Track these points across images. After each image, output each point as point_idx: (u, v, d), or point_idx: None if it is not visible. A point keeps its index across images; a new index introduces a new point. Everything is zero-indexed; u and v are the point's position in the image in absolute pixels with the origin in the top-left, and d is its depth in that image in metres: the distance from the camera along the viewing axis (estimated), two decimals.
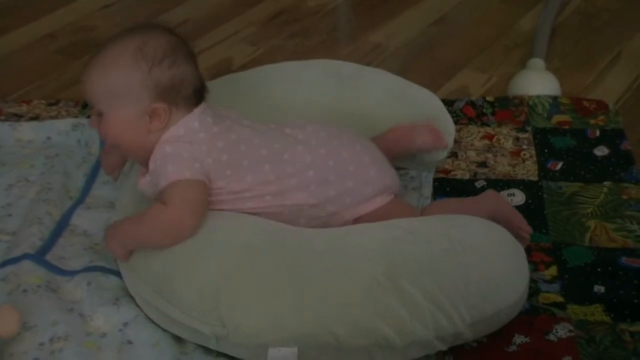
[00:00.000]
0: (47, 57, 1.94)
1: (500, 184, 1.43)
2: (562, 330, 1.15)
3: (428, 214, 1.23)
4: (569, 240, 1.31)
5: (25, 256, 1.23)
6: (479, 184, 1.44)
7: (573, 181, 1.43)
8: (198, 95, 1.21)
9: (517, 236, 1.21)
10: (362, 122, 1.40)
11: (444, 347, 1.09)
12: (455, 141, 1.49)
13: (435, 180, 1.44)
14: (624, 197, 1.39)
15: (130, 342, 1.12)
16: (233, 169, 1.18)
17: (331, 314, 1.06)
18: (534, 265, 1.26)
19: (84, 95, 1.21)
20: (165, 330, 1.14)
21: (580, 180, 1.43)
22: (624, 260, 1.26)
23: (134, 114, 1.17)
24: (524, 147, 1.52)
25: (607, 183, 1.42)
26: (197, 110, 1.20)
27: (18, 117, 1.63)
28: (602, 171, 1.45)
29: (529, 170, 1.46)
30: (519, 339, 1.14)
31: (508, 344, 1.14)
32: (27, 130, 1.56)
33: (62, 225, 1.32)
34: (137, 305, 1.17)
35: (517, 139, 1.54)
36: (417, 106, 1.47)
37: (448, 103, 1.59)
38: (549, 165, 1.47)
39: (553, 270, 1.26)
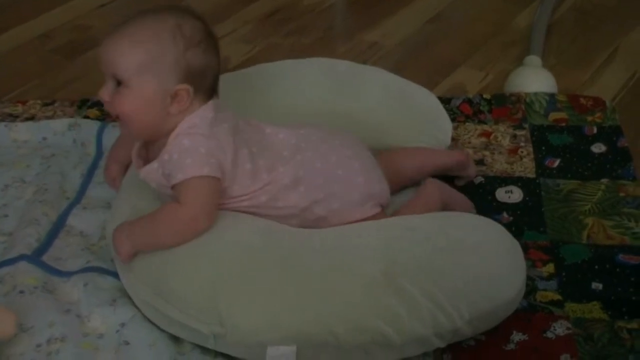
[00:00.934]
0: (42, 57, 1.94)
1: (498, 181, 1.43)
2: (560, 328, 1.15)
3: None
4: (567, 238, 1.31)
5: (21, 257, 1.22)
6: (476, 180, 1.44)
7: (570, 178, 1.43)
8: (214, 89, 1.19)
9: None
10: (358, 120, 1.40)
11: (442, 344, 1.10)
12: (453, 139, 1.49)
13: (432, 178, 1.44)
14: (622, 194, 1.39)
15: (127, 343, 1.12)
16: (238, 170, 1.16)
17: (330, 313, 1.06)
18: (532, 263, 1.26)
19: (104, 63, 1.14)
20: (162, 331, 1.13)
21: (577, 177, 1.43)
22: (622, 257, 1.27)
23: (158, 91, 1.13)
24: (522, 144, 1.52)
25: (604, 180, 1.42)
26: (211, 103, 1.17)
27: (14, 117, 1.62)
28: (599, 168, 1.45)
29: (526, 167, 1.46)
30: (517, 336, 1.14)
31: (506, 342, 1.14)
32: (23, 131, 1.55)
33: (58, 226, 1.32)
34: (135, 306, 1.16)
35: (515, 136, 1.54)
36: (414, 104, 1.47)
37: (445, 101, 1.59)
38: (546, 163, 1.47)
39: (550, 268, 1.26)
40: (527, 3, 2.05)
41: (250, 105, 1.39)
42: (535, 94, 1.62)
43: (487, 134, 1.54)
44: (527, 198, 1.39)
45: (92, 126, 1.54)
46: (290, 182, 1.19)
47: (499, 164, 1.47)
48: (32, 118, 1.61)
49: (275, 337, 1.06)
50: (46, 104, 1.66)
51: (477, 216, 1.24)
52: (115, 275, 1.21)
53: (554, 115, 1.58)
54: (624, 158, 1.47)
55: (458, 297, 1.08)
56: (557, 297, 1.21)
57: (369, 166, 1.26)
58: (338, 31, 2.09)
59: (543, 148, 1.50)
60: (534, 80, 1.66)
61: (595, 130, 1.54)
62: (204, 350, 1.12)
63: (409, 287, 1.07)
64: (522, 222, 1.34)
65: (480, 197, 1.39)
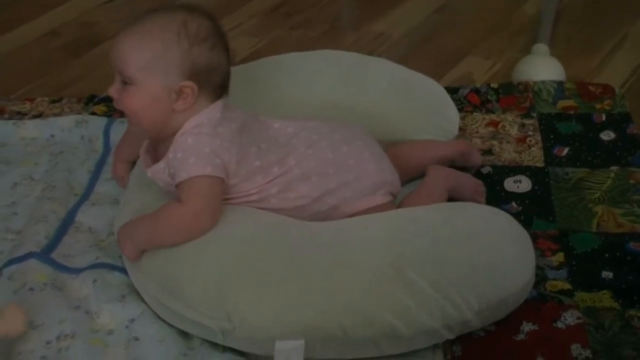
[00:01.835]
0: (49, 54, 1.94)
1: (507, 170, 1.42)
2: (570, 318, 1.14)
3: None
4: (576, 226, 1.30)
5: (30, 255, 1.23)
6: (484, 170, 1.43)
7: (580, 167, 1.42)
8: (224, 87, 1.19)
9: (474, 200, 1.28)
10: (365, 112, 1.40)
11: (451, 336, 1.09)
12: (460, 129, 1.49)
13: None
14: (631, 181, 1.38)
15: (137, 339, 1.12)
16: (246, 168, 1.17)
17: (338, 306, 1.06)
18: (541, 252, 1.25)
19: (113, 60, 1.15)
20: (171, 326, 1.14)
21: (586, 165, 1.42)
22: (632, 245, 1.26)
23: (162, 88, 1.14)
24: (530, 133, 1.51)
25: (614, 168, 1.41)
26: (220, 102, 1.18)
27: (22, 115, 1.63)
28: (608, 156, 1.44)
29: (535, 156, 1.45)
30: (527, 326, 1.14)
31: (516, 333, 1.13)
32: (30, 128, 1.56)
33: (67, 223, 1.32)
34: (144, 302, 1.17)
35: (523, 125, 1.53)
36: (421, 95, 1.46)
37: (452, 91, 1.58)
38: (555, 151, 1.46)
39: (560, 257, 1.25)
40: None
41: (256, 98, 1.39)
42: (543, 82, 1.61)
43: (494, 124, 1.54)
44: (535, 187, 1.39)
45: (99, 122, 1.55)
46: (301, 173, 1.19)
47: (507, 154, 1.46)
48: (39, 115, 1.62)
49: (284, 332, 1.05)
50: (53, 101, 1.67)
51: (484, 206, 1.24)
52: (124, 271, 1.21)
53: (562, 103, 1.57)
54: (633, 145, 1.46)
55: (467, 288, 1.08)
56: (567, 286, 1.20)
57: (379, 156, 1.26)
58: (344, 23, 2.08)
59: (551, 136, 1.49)
60: (542, 68, 1.65)
61: (604, 117, 1.53)
62: (213, 345, 1.12)
63: (417, 279, 1.07)
64: (531, 211, 1.34)
65: (489, 187, 1.38)
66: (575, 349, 1.10)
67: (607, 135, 1.49)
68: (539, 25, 1.83)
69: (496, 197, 1.36)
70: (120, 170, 1.38)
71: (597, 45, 1.82)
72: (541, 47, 1.72)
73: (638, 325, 1.13)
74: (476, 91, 1.62)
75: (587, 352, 1.09)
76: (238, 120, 1.18)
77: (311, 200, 1.20)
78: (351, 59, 1.51)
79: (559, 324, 1.14)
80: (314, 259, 1.10)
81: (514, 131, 1.52)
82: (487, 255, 1.12)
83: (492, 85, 1.63)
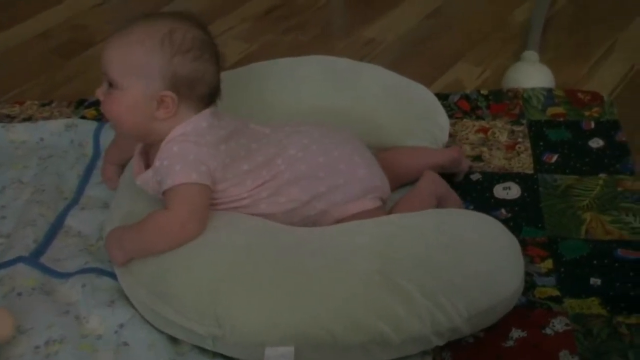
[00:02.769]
0: (40, 57, 1.94)
1: (496, 177, 1.43)
2: (559, 324, 1.15)
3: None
4: (565, 233, 1.31)
5: (19, 259, 1.22)
6: (474, 177, 1.43)
7: (568, 174, 1.43)
8: (211, 97, 1.20)
9: None
10: (356, 118, 1.40)
11: (441, 343, 1.10)
12: (450, 135, 1.49)
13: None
14: (620, 189, 1.39)
15: (126, 344, 1.12)
16: (234, 173, 1.17)
17: (327, 312, 1.06)
18: (530, 259, 1.26)
19: (101, 63, 1.17)
20: (161, 332, 1.13)
21: (575, 172, 1.43)
22: (620, 252, 1.26)
23: (143, 95, 1.15)
24: (519, 140, 1.51)
25: (602, 175, 1.42)
26: (207, 112, 1.18)
27: (11, 118, 1.62)
28: (597, 163, 1.45)
29: (524, 163, 1.46)
30: (515, 333, 1.14)
31: (505, 339, 1.14)
32: (20, 132, 1.55)
33: (56, 227, 1.32)
34: (133, 307, 1.16)
35: (512, 132, 1.53)
36: (411, 101, 1.47)
37: (443, 97, 1.59)
38: (544, 158, 1.47)
39: (549, 264, 1.25)
40: None
41: (247, 103, 1.39)
42: (533, 89, 1.62)
43: (484, 130, 1.54)
44: (525, 194, 1.39)
45: (89, 126, 1.54)
46: (292, 177, 1.20)
47: (497, 160, 1.47)
48: (29, 119, 1.61)
49: (274, 338, 1.06)
50: (43, 105, 1.66)
51: (474, 212, 1.24)
52: (113, 275, 1.21)
53: (551, 110, 1.58)
54: (622, 152, 1.46)
55: (456, 294, 1.08)
56: (556, 293, 1.21)
57: (369, 160, 1.27)
58: (336, 27, 2.08)
59: (541, 143, 1.50)
60: (531, 75, 1.65)
61: (593, 124, 1.53)
62: (203, 351, 1.12)
63: (407, 285, 1.07)
64: (520, 218, 1.34)
65: (478, 193, 1.39)
66: (564, 355, 1.11)
67: (595, 143, 1.49)
68: (529, 32, 1.84)
69: (486, 203, 1.37)
70: (109, 172, 1.39)
71: (586, 52, 1.83)
72: (531, 54, 1.73)
73: (626, 332, 1.14)
74: (466, 97, 1.63)
75: (576, 359, 1.10)
76: (226, 128, 1.19)
77: (301, 204, 1.20)
78: (343, 64, 1.51)
79: (548, 331, 1.14)
80: (304, 265, 1.10)
81: (504, 138, 1.52)
82: (477, 262, 1.12)
83: (482, 91, 1.64)
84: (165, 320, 1.12)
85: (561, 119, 1.56)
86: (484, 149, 1.50)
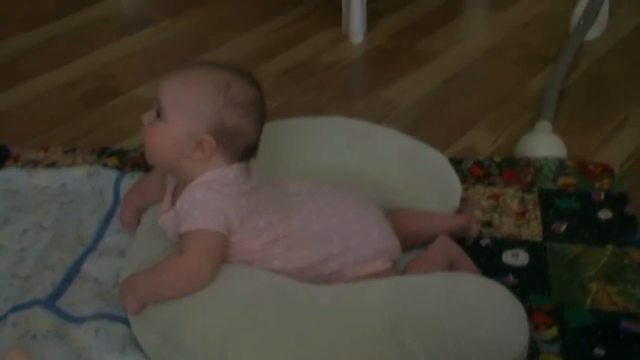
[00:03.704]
0: (66, 105, 1.99)
1: (505, 243, 1.45)
2: None
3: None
4: (571, 302, 1.32)
5: (35, 302, 1.25)
6: (483, 242, 1.46)
7: (577, 243, 1.45)
8: (247, 153, 1.23)
9: None
10: (370, 180, 1.43)
11: None
12: (462, 200, 1.52)
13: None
14: (627, 260, 1.40)
15: None
16: (250, 226, 1.20)
17: None
18: (535, 326, 1.27)
19: (157, 91, 1.20)
20: None
21: (583, 242, 1.45)
22: (625, 323, 1.28)
23: (187, 133, 1.18)
24: (530, 207, 1.54)
25: (610, 246, 1.44)
26: (237, 165, 1.22)
27: (35, 163, 1.66)
28: (605, 234, 1.47)
29: (533, 231, 1.48)
30: None
31: None
32: (43, 177, 1.59)
33: (73, 272, 1.34)
34: (144, 354, 1.18)
35: (523, 199, 1.56)
36: (425, 166, 1.50)
37: (456, 162, 1.62)
38: (553, 227, 1.49)
39: (554, 331, 1.27)
40: (541, 68, 2.09)
41: (264, 161, 1.42)
42: (545, 158, 1.65)
43: (495, 197, 1.57)
44: (533, 261, 1.41)
45: (110, 175, 1.58)
46: (305, 237, 1.22)
47: (507, 227, 1.49)
48: (53, 164, 1.65)
49: None
50: (67, 151, 1.71)
51: (482, 278, 1.26)
52: (126, 322, 1.23)
53: (562, 180, 1.61)
54: (630, 225, 1.48)
55: (461, 357, 1.10)
56: None
57: (382, 222, 1.30)
58: (354, 89, 2.13)
59: (550, 212, 1.52)
60: (544, 145, 1.68)
61: (602, 196, 1.56)
62: None
63: (413, 346, 1.09)
64: (527, 284, 1.36)
65: (487, 258, 1.41)
66: None
67: (604, 214, 1.51)
68: (543, 103, 1.87)
69: (494, 269, 1.38)
70: (128, 216, 1.42)
71: (599, 124, 1.85)
72: (544, 124, 1.76)
73: None
74: (479, 164, 1.66)
75: None
76: (251, 184, 1.22)
77: (313, 263, 1.23)
78: (359, 126, 1.55)
79: None
80: (314, 320, 1.12)
81: (515, 205, 1.55)
82: (483, 327, 1.14)
83: (495, 158, 1.67)
84: None
85: (571, 189, 1.58)
86: (495, 215, 1.52)
